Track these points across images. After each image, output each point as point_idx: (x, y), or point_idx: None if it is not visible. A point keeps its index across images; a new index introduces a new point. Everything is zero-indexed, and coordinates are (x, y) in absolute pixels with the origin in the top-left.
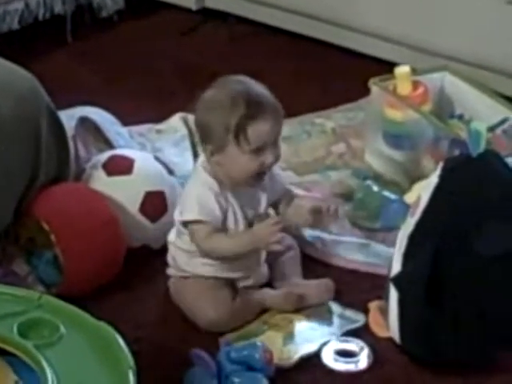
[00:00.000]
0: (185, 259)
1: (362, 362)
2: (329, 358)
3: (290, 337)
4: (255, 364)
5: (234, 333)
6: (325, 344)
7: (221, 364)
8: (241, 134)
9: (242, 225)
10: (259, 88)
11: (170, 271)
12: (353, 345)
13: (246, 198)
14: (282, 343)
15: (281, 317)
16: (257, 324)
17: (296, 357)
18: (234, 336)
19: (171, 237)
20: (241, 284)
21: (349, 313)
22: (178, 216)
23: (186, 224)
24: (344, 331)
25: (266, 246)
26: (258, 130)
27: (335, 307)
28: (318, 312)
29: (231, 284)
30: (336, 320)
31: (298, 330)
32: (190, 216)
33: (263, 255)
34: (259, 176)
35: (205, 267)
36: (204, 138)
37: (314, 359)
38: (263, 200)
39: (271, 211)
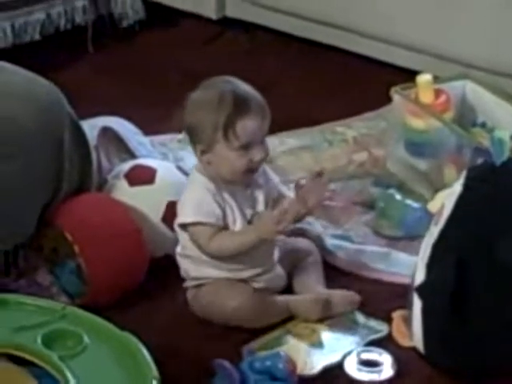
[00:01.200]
0: (192, 266)
1: (386, 371)
2: (352, 368)
3: (313, 347)
4: (278, 374)
5: (257, 341)
6: (348, 354)
7: (244, 374)
8: (230, 131)
9: (240, 224)
10: (246, 86)
11: (186, 283)
12: (376, 354)
13: (243, 197)
14: (305, 353)
15: (304, 326)
16: (280, 332)
17: (319, 367)
18: (257, 345)
19: (177, 249)
20: (254, 285)
21: (372, 322)
22: (176, 220)
23: (185, 227)
24: (367, 341)
25: (273, 236)
26: (246, 126)
27: (359, 317)
28: (341, 322)
29: (246, 283)
30: (359, 330)
31: (322, 339)
32: (188, 218)
33: (276, 254)
34: (248, 174)
35: (213, 271)
36: (194, 139)
37: (336, 369)
38: (260, 198)
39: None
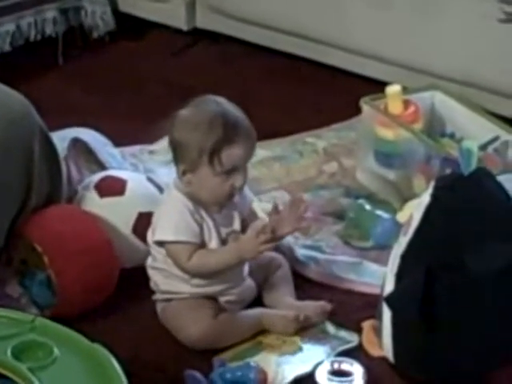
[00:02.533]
0: (162, 279)
1: (357, 382)
2: (323, 378)
3: (284, 357)
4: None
5: (228, 352)
6: (319, 364)
7: None
8: (215, 157)
9: (215, 242)
10: (236, 111)
11: (155, 296)
12: (347, 365)
13: (219, 216)
14: (276, 364)
15: (275, 337)
16: (251, 344)
17: (290, 377)
18: (228, 356)
19: (148, 261)
20: (224, 299)
21: (343, 333)
22: (151, 237)
23: (162, 243)
24: (338, 351)
25: (254, 257)
26: (232, 153)
27: (329, 327)
28: (312, 332)
29: (213, 301)
30: (330, 340)
31: (293, 350)
32: (168, 237)
33: (246, 268)
34: (228, 198)
35: (182, 285)
36: (177, 157)
37: (307, 380)
38: (236, 217)
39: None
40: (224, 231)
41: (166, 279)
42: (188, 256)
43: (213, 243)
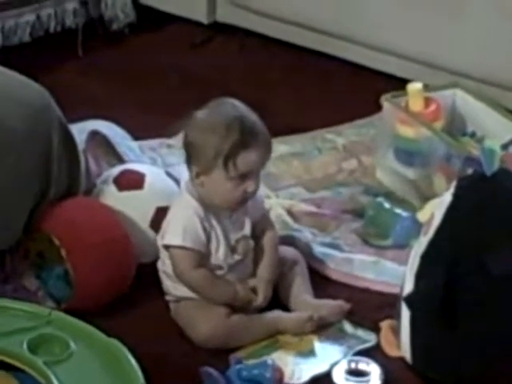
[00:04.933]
0: (172, 284)
1: (373, 381)
2: (339, 378)
3: (301, 356)
4: (265, 383)
5: (245, 350)
6: (336, 363)
7: (231, 382)
8: (230, 161)
9: (222, 251)
10: (253, 116)
11: (167, 297)
12: (364, 364)
13: (230, 221)
14: (293, 362)
15: (292, 335)
16: (268, 342)
17: (307, 377)
18: (245, 353)
19: (158, 263)
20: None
21: (360, 332)
22: (160, 239)
23: (167, 247)
24: (356, 351)
25: (243, 306)
26: (247, 158)
27: (347, 326)
28: (329, 331)
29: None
30: (348, 339)
31: (310, 349)
32: (174, 241)
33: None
34: (241, 203)
35: (188, 290)
36: (192, 158)
37: (324, 379)
38: (246, 223)
39: None
40: (234, 237)
41: (173, 283)
42: (189, 266)
43: (220, 252)
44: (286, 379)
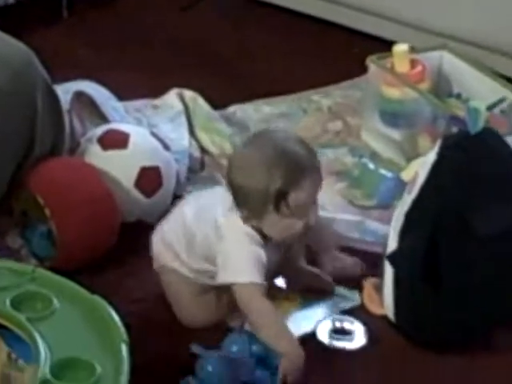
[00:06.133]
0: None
1: (358, 340)
2: (324, 336)
3: (286, 316)
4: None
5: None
6: (321, 322)
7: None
8: (282, 203)
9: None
10: (296, 146)
11: (155, 265)
12: (348, 323)
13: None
14: None
15: (277, 295)
16: None
17: (296, 335)
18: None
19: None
20: None
21: (345, 291)
22: (222, 276)
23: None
24: (340, 309)
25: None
26: (299, 195)
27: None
28: (314, 290)
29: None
30: (332, 298)
31: (295, 308)
32: (244, 278)
33: None
34: (303, 235)
35: (183, 268)
36: (239, 201)
37: (309, 337)
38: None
39: None
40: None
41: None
42: (260, 296)
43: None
44: None
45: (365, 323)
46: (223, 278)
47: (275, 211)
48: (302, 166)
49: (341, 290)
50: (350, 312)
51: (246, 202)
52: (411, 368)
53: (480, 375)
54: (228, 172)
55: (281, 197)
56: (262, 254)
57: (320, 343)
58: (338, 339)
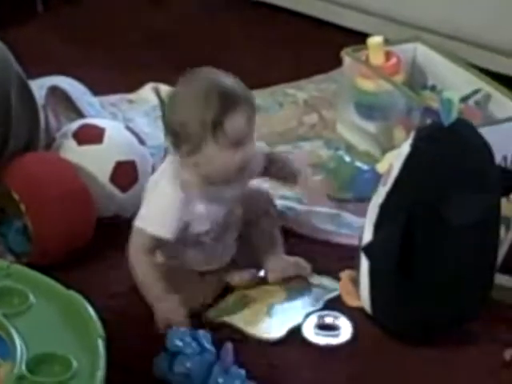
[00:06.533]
0: None
1: (343, 335)
2: (310, 333)
3: (272, 310)
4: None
5: (214, 309)
6: (309, 315)
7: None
8: (218, 130)
9: (205, 225)
10: (229, 79)
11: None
12: (333, 319)
13: (219, 200)
14: (266, 317)
15: (261, 289)
16: (236, 297)
17: (284, 330)
18: (216, 312)
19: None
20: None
21: (326, 281)
22: (135, 221)
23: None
24: (325, 300)
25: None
26: (235, 122)
27: (312, 276)
28: (295, 282)
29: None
30: (314, 290)
31: (279, 301)
32: (142, 223)
33: (233, 251)
34: (241, 170)
35: (167, 260)
36: (178, 139)
37: (294, 333)
38: (237, 196)
39: None
40: (222, 213)
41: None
42: (141, 247)
43: (202, 227)
44: (263, 334)
45: (348, 315)
46: (135, 222)
47: (213, 141)
48: (234, 94)
49: (322, 280)
50: (334, 303)
51: (186, 137)
52: (390, 361)
53: (457, 366)
54: (167, 114)
55: (218, 123)
56: (174, 214)
57: (305, 339)
58: (323, 335)
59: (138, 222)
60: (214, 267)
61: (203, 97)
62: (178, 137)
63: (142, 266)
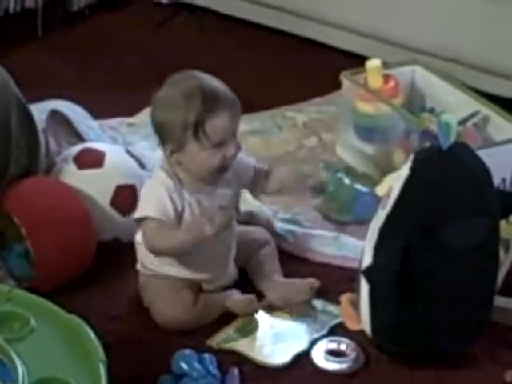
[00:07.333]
0: (150, 258)
1: (353, 361)
2: (319, 359)
3: (277, 335)
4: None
5: (219, 334)
6: (314, 341)
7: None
8: (200, 131)
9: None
10: (214, 82)
11: (138, 266)
12: (343, 345)
13: (208, 196)
14: (271, 342)
15: (265, 315)
16: (241, 322)
17: (289, 356)
18: (218, 340)
19: (137, 236)
20: (205, 287)
21: (330, 307)
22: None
23: (139, 221)
24: (330, 326)
25: (203, 236)
26: (216, 124)
27: (316, 302)
28: (300, 308)
29: (195, 286)
30: (319, 316)
31: (284, 327)
32: (141, 213)
33: (232, 253)
34: (222, 170)
35: (169, 267)
36: (162, 138)
37: (303, 359)
38: (228, 194)
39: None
40: (212, 209)
41: (154, 258)
42: (153, 231)
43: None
44: (268, 360)
45: (357, 342)
46: (135, 215)
47: (195, 140)
48: (217, 95)
49: (326, 306)
50: (338, 329)
51: (168, 136)
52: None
53: None
54: (151, 113)
55: (199, 124)
56: (165, 195)
57: (314, 365)
58: (333, 361)
59: (138, 213)
60: (218, 273)
61: (186, 98)
62: (163, 136)
63: (163, 238)
